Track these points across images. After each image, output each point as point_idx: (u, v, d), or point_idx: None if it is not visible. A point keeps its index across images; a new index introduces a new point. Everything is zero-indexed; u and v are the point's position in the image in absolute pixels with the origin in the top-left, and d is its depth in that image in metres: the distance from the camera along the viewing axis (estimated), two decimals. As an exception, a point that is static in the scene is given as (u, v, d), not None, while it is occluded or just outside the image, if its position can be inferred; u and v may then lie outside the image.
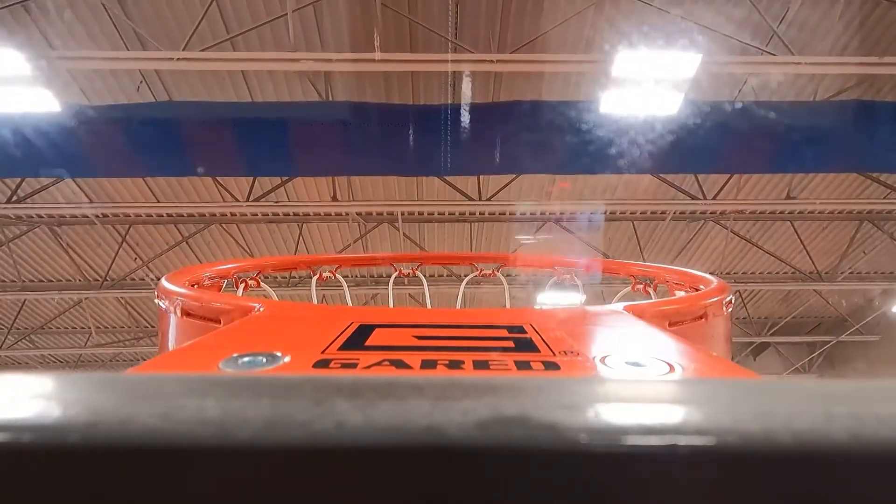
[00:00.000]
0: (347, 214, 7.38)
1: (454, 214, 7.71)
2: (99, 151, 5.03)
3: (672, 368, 0.50)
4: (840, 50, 5.51)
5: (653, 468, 0.19)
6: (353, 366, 0.50)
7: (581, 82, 5.92)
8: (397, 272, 2.32)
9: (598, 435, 0.19)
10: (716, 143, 5.22)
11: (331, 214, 7.57)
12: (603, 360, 0.53)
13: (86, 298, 8.87)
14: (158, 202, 7.30)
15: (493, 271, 2.39)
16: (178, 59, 4.14)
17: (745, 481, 0.18)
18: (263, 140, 4.50)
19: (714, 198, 6.20)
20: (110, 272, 8.09)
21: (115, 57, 4.40)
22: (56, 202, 7.17)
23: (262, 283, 1.65)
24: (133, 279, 8.61)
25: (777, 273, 8.64)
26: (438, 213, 7.69)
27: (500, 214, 7.42)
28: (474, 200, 6.68)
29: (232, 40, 5.39)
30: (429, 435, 0.19)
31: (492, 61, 4.47)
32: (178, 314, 0.92)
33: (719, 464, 0.19)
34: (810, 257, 7.59)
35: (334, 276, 2.06)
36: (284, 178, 6.76)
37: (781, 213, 7.31)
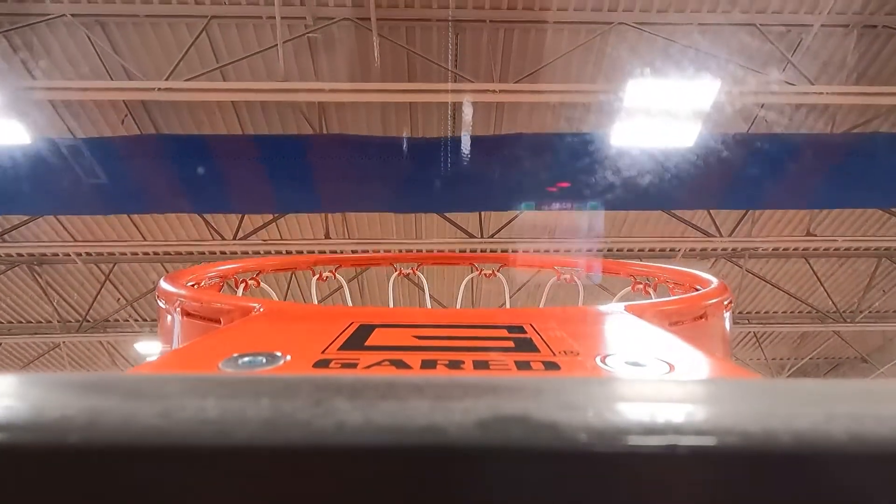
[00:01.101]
0: (342, 252, 7.03)
1: (454, 252, 7.37)
2: (77, 187, 4.73)
3: (672, 368, 0.49)
4: (855, 82, 5.30)
5: (653, 468, 0.19)
6: (354, 366, 0.49)
7: (585, 114, 5.69)
8: (397, 272, 2.32)
9: (597, 435, 0.19)
10: (731, 177, 4.94)
11: (325, 252, 7.23)
12: (603, 359, 0.52)
13: (63, 342, 8.40)
14: (144, 240, 6.97)
15: (493, 272, 2.39)
16: (161, 88, 3.87)
17: (746, 481, 0.19)
18: (247, 175, 4.20)
19: (730, 235, 5.88)
20: (91, 312, 7.66)
21: (93, 87, 4.14)
22: (38, 240, 6.83)
23: (262, 284, 1.63)
24: (117, 319, 8.18)
25: (793, 312, 8.24)
26: (438, 251, 7.35)
27: (502, 252, 7.09)
28: (475, 238, 6.36)
29: (223, 72, 5.18)
30: (429, 435, 0.19)
31: (494, 91, 4.22)
32: (179, 314, 0.91)
33: (719, 464, 0.19)
34: (829, 296, 7.21)
35: (334, 276, 2.06)
36: (276, 215, 6.45)
37: (796, 249, 6.98)
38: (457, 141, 4.26)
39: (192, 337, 0.88)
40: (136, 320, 8.28)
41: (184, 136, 5.14)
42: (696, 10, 5.03)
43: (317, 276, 2.01)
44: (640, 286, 1.61)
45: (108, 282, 7.46)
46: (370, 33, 4.69)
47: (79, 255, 7.05)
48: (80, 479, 0.18)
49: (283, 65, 4.52)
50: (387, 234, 7.02)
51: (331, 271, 2.11)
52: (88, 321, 7.78)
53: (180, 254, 7.42)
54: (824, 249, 6.95)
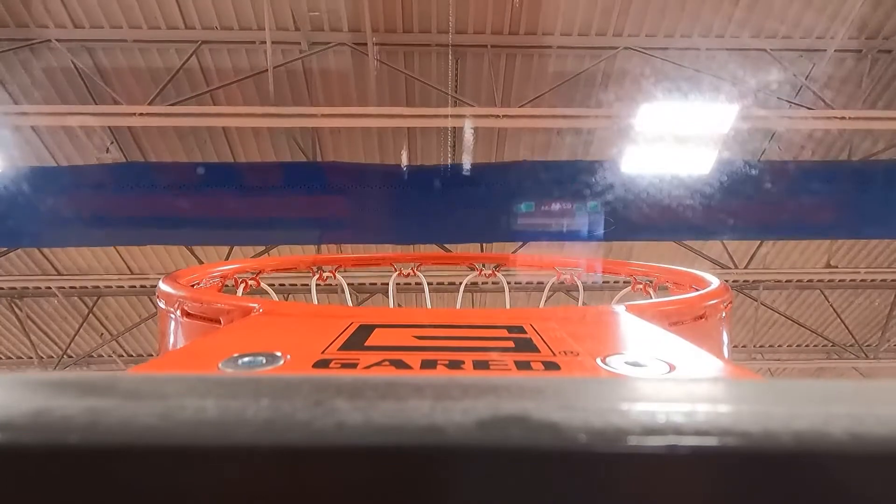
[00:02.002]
0: (337, 284, 6.72)
1: (455, 284, 7.05)
2: (56, 218, 4.46)
3: (673, 368, 0.49)
4: (869, 108, 5.11)
5: (653, 468, 0.19)
6: (353, 366, 0.50)
7: (591, 139, 5.49)
8: (397, 272, 2.28)
9: (597, 435, 0.19)
10: (746, 206, 4.69)
11: (319, 285, 6.91)
12: (603, 359, 0.52)
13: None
14: (132, 274, 6.67)
15: (492, 271, 2.37)
16: (142, 114, 3.64)
17: (746, 482, 0.19)
18: (235, 205, 3.94)
19: (745, 266, 5.58)
20: (73, 347, 7.29)
21: (68, 112, 3.91)
22: (19, 273, 6.53)
23: (261, 283, 1.62)
24: (100, 355, 7.80)
25: (809, 346, 7.88)
26: (437, 283, 7.04)
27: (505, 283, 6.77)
28: (476, 269, 6.05)
29: (214, 99, 4.98)
30: (429, 435, 0.19)
31: (496, 116, 4.00)
32: (179, 315, 0.91)
33: (720, 465, 0.19)
34: (848, 330, 6.88)
35: (334, 276, 2.01)
36: (269, 245, 6.17)
37: (811, 280, 6.68)
38: (458, 168, 4.01)
39: (192, 337, 0.88)
40: (121, 356, 7.89)
41: (167, 164, 4.90)
42: (704, 35, 4.87)
43: (317, 275, 1.95)
44: (640, 286, 1.59)
45: (91, 315, 7.12)
46: (367, 58, 4.50)
47: (61, 288, 6.73)
48: (80, 480, 0.18)
49: (275, 90, 4.31)
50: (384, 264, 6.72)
51: (331, 271, 2.03)
52: (69, 356, 7.39)
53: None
54: (839, 280, 6.66)
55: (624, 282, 1.78)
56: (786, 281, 6.64)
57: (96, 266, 6.63)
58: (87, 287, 6.90)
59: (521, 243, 5.36)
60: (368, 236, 4.98)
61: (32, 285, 6.71)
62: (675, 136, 4.75)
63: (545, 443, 0.19)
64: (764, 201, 4.60)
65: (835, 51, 4.70)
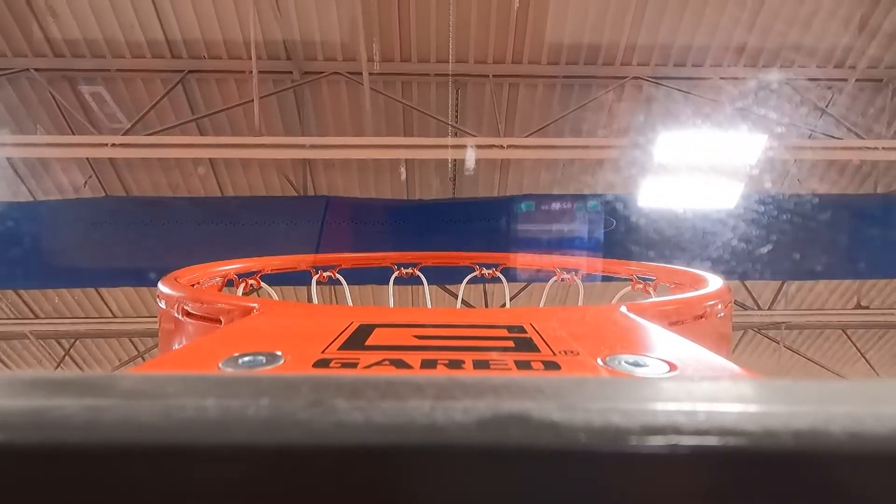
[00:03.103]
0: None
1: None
2: (27, 258, 4.10)
3: (673, 368, 0.49)
4: (892, 137, 4.85)
5: (653, 468, 0.19)
6: (354, 365, 0.50)
7: (598, 171, 5.20)
8: (397, 271, 2.29)
9: (597, 435, 0.19)
10: (769, 243, 4.36)
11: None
12: (604, 359, 0.52)
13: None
14: (112, 316, 6.28)
15: (492, 271, 2.37)
16: (115, 144, 3.34)
17: (746, 482, 0.18)
18: (218, 242, 3.60)
19: (768, 308, 5.19)
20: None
21: (39, 143, 3.60)
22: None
23: (262, 283, 1.62)
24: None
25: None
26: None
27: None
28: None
29: (201, 129, 4.72)
30: (429, 435, 0.19)
31: (501, 146, 3.71)
32: (178, 314, 0.90)
33: (720, 465, 0.19)
34: (876, 372, 6.43)
35: (334, 275, 2.05)
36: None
37: (840, 322, 6.28)
38: (460, 203, 3.70)
39: (192, 337, 0.89)
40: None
41: (142, 198, 4.59)
42: (716, 65, 4.65)
43: (317, 275, 1.98)
44: (640, 286, 1.61)
45: (67, 359, 6.67)
46: (363, 87, 4.26)
47: (35, 331, 6.31)
48: (79, 480, 0.18)
49: (266, 121, 4.04)
50: (380, 305, 6.34)
51: (331, 271, 2.07)
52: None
53: (151, 330, 6.70)
54: (871, 322, 6.25)
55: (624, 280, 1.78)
56: (813, 323, 6.24)
57: (74, 307, 6.24)
58: (63, 330, 6.48)
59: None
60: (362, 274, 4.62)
61: (5, 329, 6.30)
62: (688, 168, 4.47)
63: (545, 442, 0.19)
64: (790, 237, 4.27)
65: (855, 80, 4.47)
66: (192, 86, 4.52)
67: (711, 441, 0.19)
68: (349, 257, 2.32)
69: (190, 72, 4.41)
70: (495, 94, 4.63)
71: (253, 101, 3.64)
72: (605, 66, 4.65)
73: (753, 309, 5.16)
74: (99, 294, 6.18)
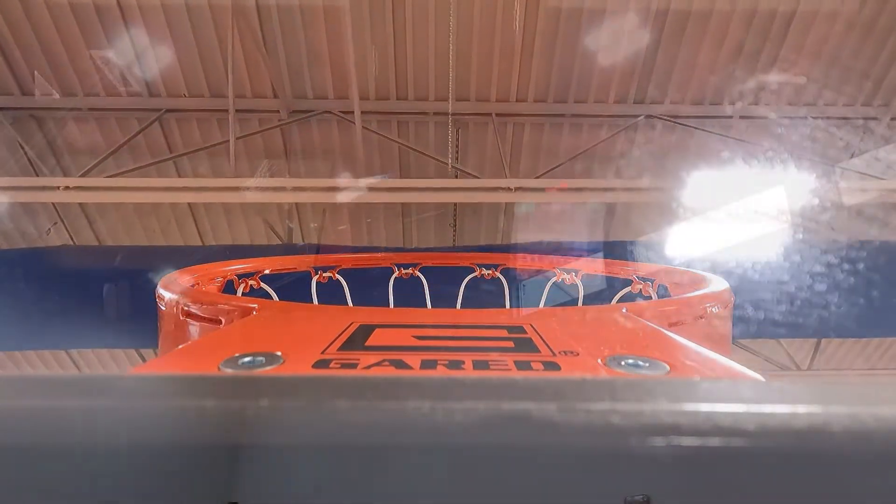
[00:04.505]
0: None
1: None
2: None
3: (672, 368, 0.49)
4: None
5: (653, 467, 0.19)
6: (354, 366, 0.49)
7: (609, 216, 4.80)
8: (397, 272, 2.24)
9: (598, 434, 0.19)
10: (809, 297, 3.90)
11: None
12: (603, 359, 0.52)
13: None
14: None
15: (493, 271, 2.37)
16: (69, 187, 2.93)
17: (747, 480, 0.18)
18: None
19: (807, 367, 4.67)
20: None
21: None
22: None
23: (262, 284, 1.60)
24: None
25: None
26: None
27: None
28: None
29: (180, 171, 4.35)
30: (429, 434, 0.19)
31: (509, 189, 3.31)
32: (179, 315, 0.89)
33: (720, 463, 0.19)
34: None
35: (334, 276, 2.00)
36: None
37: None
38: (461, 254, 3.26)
39: (193, 337, 0.87)
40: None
41: (93, 248, 4.15)
42: (734, 103, 4.34)
43: (317, 276, 1.95)
44: (640, 286, 1.57)
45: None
46: (354, 126, 3.91)
47: None
48: (80, 480, 0.18)
49: (247, 162, 3.66)
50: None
51: (331, 271, 2.03)
52: None
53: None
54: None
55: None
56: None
57: (36, 362, 5.69)
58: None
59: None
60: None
61: None
62: (710, 213, 4.08)
63: (546, 442, 0.19)
64: (833, 291, 3.81)
65: (890, 118, 4.14)
66: (170, 125, 4.17)
67: (712, 441, 0.19)
68: (349, 258, 2.26)
69: (168, 111, 4.07)
70: (499, 134, 4.28)
71: (224, 141, 3.25)
72: (616, 105, 4.34)
73: (791, 369, 4.64)
74: (70, 357, 5.64)
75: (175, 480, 0.18)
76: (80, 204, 4.40)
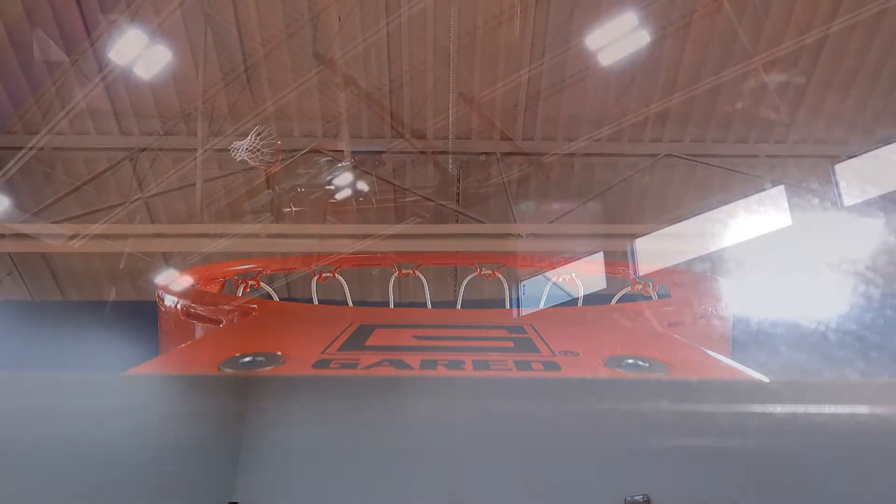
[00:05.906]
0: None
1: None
2: None
3: (672, 368, 0.52)
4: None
5: (653, 467, 0.19)
6: (353, 366, 0.53)
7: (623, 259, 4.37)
8: (397, 272, 2.28)
9: (598, 434, 0.19)
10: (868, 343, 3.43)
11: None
12: (603, 359, 0.55)
13: None
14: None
15: (493, 271, 2.37)
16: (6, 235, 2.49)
17: (746, 479, 0.18)
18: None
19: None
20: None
21: None
22: None
23: (262, 284, 1.65)
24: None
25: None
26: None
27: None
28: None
29: (154, 217, 3.93)
30: (429, 434, 0.19)
31: (520, 236, 2.89)
32: (179, 315, 0.92)
33: (720, 463, 0.19)
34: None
35: (334, 276, 2.01)
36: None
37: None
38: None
39: (193, 337, 0.89)
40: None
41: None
42: (761, 141, 4.00)
43: (317, 276, 1.98)
44: (640, 286, 1.58)
45: None
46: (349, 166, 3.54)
47: None
48: (80, 479, 0.19)
49: (203, 206, 3.25)
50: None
51: (331, 271, 2.03)
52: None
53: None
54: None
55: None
56: None
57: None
58: None
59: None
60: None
61: None
62: (740, 257, 3.65)
63: (547, 442, 0.19)
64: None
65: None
66: (143, 165, 3.79)
67: (712, 441, 0.19)
68: (349, 258, 2.20)
69: (142, 150, 3.70)
70: (503, 175, 3.90)
71: (189, 185, 2.86)
72: (631, 143, 3.99)
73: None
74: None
75: (175, 480, 0.18)
76: (42, 254, 3.97)
